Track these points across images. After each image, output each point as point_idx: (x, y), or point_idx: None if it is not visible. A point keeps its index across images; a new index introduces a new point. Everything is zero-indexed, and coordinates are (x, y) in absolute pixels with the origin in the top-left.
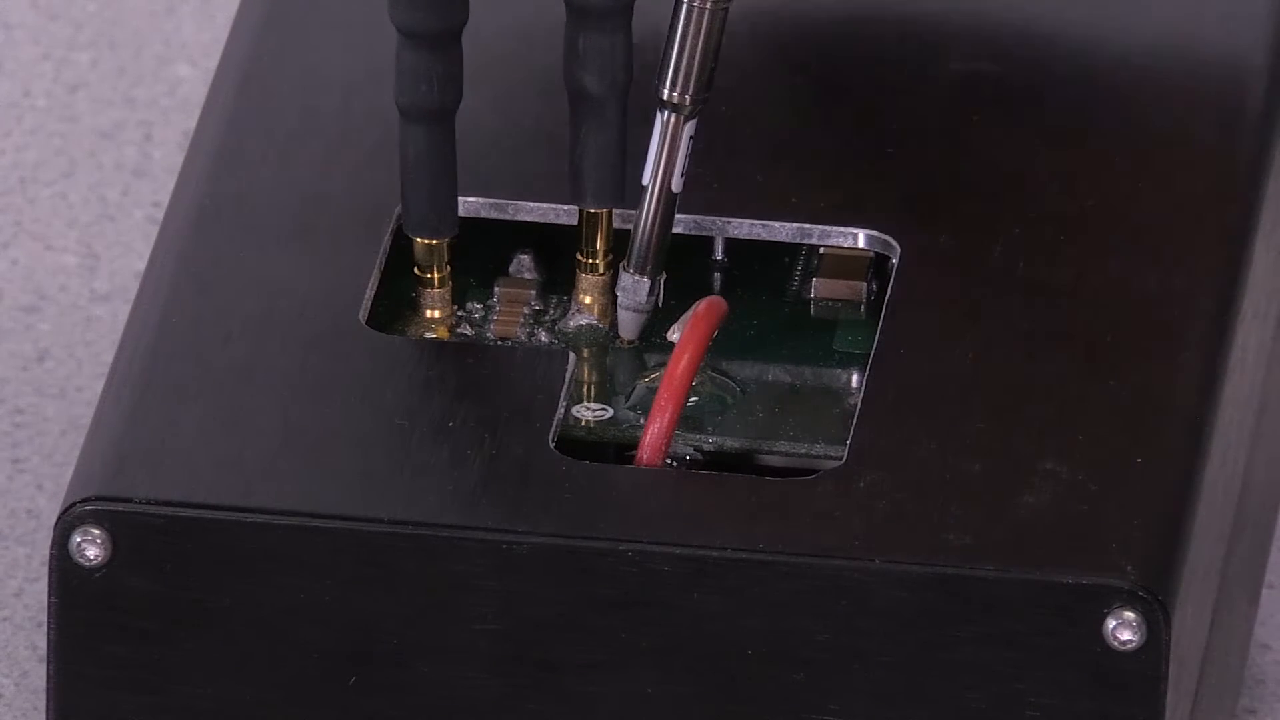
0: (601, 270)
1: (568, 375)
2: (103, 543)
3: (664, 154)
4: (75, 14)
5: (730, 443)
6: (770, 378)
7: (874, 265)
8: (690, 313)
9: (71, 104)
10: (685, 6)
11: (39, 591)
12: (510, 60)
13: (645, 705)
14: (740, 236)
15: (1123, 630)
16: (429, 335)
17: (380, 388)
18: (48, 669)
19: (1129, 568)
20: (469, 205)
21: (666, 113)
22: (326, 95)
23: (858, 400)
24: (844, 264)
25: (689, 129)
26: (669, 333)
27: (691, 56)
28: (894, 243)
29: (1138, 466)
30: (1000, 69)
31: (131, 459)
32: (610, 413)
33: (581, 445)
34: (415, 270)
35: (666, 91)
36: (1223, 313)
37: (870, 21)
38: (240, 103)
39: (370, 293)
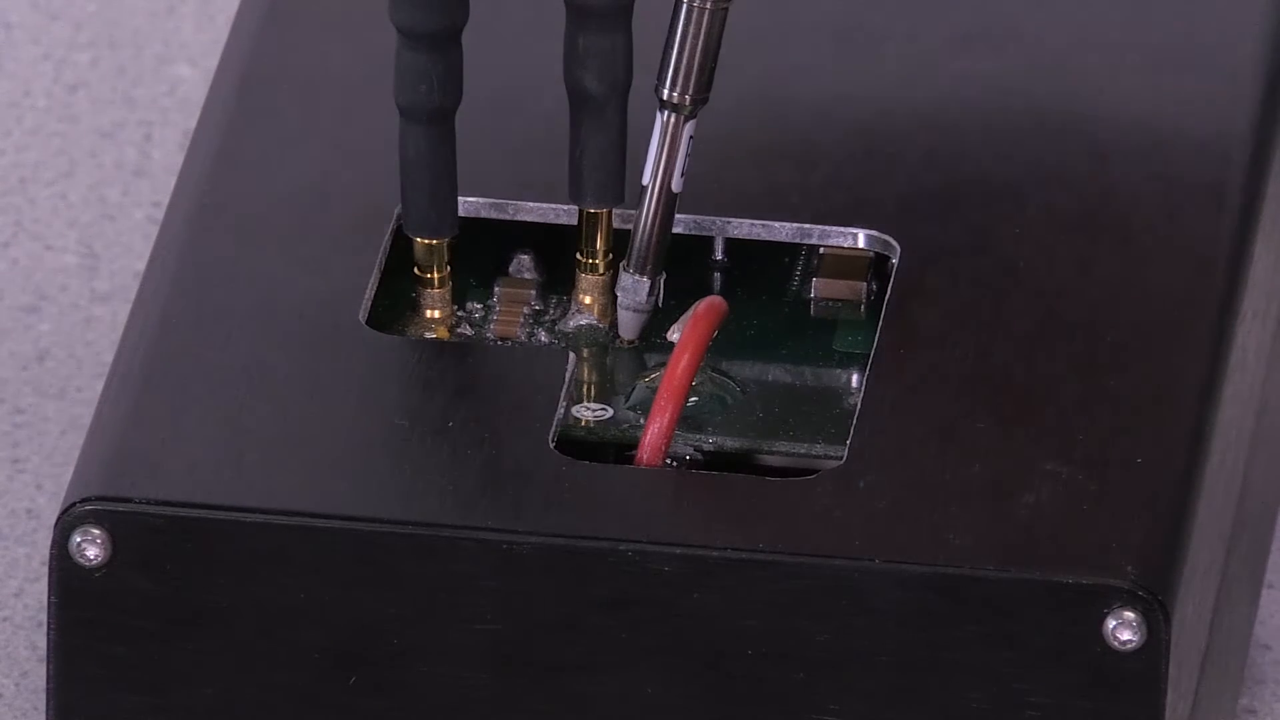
0: (601, 270)
1: (568, 375)
2: (103, 543)
3: (664, 154)
4: (75, 14)
5: (730, 443)
6: (770, 378)
7: (874, 265)
8: (690, 313)
9: (71, 104)
10: (685, 6)
11: (39, 591)
12: (510, 60)
13: (645, 705)
14: (740, 236)
15: (1123, 630)
16: (429, 335)
17: (380, 388)
18: (48, 669)
19: (1129, 568)
20: (469, 205)
21: (666, 113)
22: (326, 95)
23: (858, 400)
24: (844, 264)
25: (689, 129)
26: (669, 333)
27: (691, 56)
28: (894, 243)
29: (1138, 466)
30: (1000, 69)
31: (131, 459)
32: (610, 413)
33: (581, 445)
34: (415, 270)
35: (666, 91)
36: (1223, 313)
37: (871, 20)
38: (240, 103)
39: (370, 293)
